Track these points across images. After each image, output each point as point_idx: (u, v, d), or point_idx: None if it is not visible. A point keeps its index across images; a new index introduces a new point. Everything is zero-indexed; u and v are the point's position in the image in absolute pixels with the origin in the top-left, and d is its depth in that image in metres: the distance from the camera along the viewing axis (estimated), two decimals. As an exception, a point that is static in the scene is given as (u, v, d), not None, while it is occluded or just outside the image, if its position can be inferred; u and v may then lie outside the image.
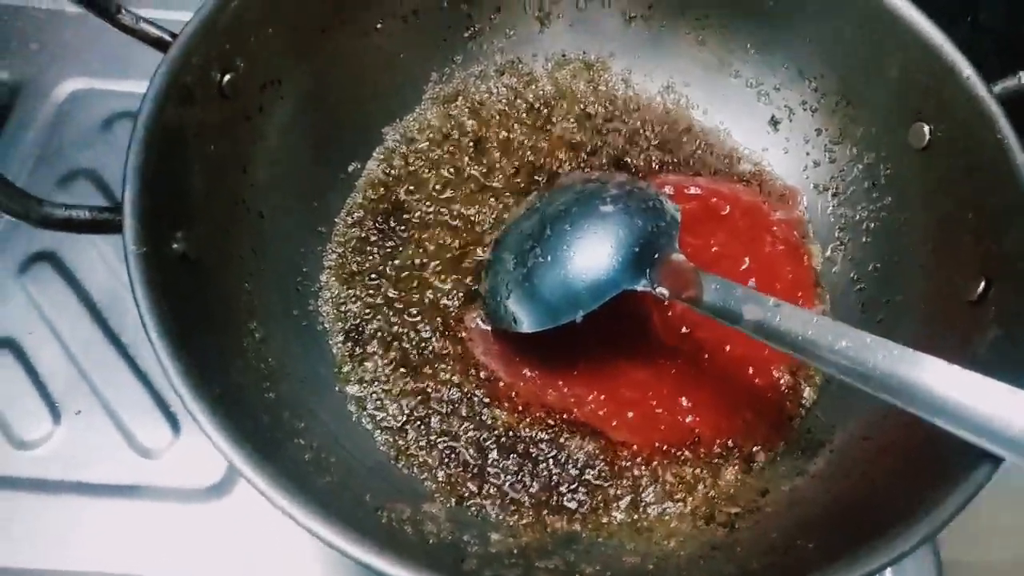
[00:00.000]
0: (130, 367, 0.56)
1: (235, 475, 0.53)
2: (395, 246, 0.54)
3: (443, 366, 0.50)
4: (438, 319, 0.52)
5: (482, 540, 0.44)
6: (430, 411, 0.49)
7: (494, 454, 0.48)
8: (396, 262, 0.54)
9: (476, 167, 0.58)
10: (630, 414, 0.49)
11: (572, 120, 0.60)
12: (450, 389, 0.50)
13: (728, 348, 0.51)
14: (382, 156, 0.57)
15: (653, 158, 0.59)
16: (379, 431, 0.48)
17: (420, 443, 0.48)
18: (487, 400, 0.49)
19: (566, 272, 0.47)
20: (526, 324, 0.48)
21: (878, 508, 0.40)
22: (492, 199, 0.56)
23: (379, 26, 0.56)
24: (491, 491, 0.47)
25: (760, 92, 0.59)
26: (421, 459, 0.47)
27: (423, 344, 0.51)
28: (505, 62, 0.61)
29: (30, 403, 0.55)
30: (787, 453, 0.49)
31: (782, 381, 0.51)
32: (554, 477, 0.47)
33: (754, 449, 0.49)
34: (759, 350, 0.49)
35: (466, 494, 0.46)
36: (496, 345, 0.51)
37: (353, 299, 0.52)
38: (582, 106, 0.61)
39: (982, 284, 0.44)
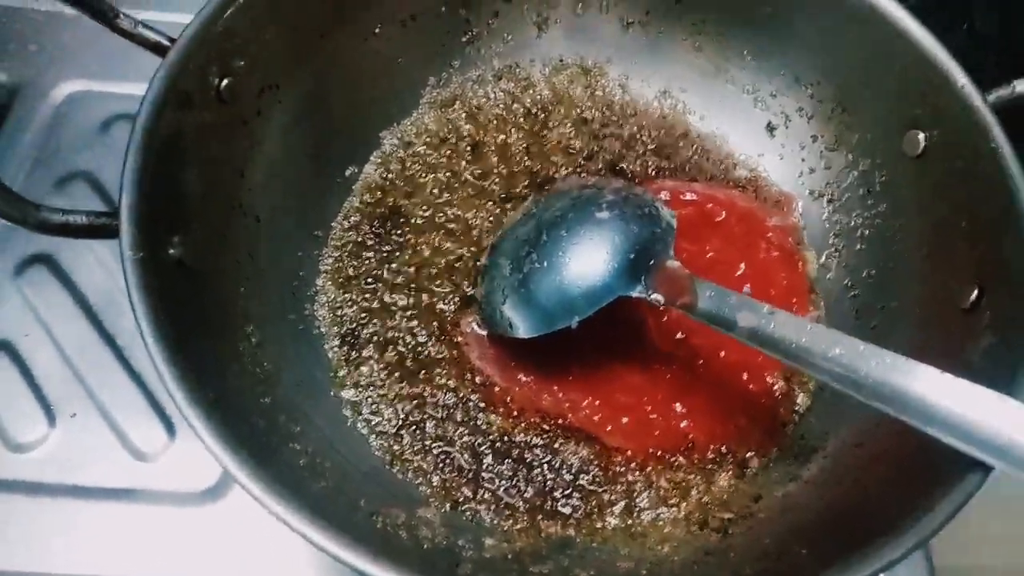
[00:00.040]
0: (126, 370, 0.56)
1: (230, 479, 0.53)
2: (391, 250, 0.54)
3: (439, 371, 0.50)
4: (434, 323, 0.52)
5: (477, 545, 0.44)
6: (425, 416, 0.49)
7: (489, 459, 0.48)
8: (392, 266, 0.54)
9: (473, 171, 0.58)
10: (624, 419, 0.49)
11: (569, 125, 0.60)
12: (445, 394, 0.50)
13: (723, 354, 0.51)
14: (379, 160, 0.58)
15: (649, 163, 0.59)
16: (374, 436, 0.48)
17: (415, 448, 0.48)
18: (482, 405, 0.49)
19: (562, 278, 0.47)
20: (522, 329, 0.48)
21: (871, 515, 0.41)
22: (489, 203, 0.57)
23: (377, 31, 0.56)
24: (486, 496, 0.47)
25: (756, 98, 0.59)
26: (416, 464, 0.48)
27: (419, 348, 0.51)
28: (503, 67, 0.61)
29: (26, 405, 0.55)
30: (780, 459, 0.49)
31: (776, 387, 0.51)
32: (548, 482, 0.47)
33: (748, 455, 0.49)
34: (753, 356, 0.49)
35: (461, 499, 0.47)
36: (492, 350, 0.51)
37: (349, 303, 0.52)
38: (579, 111, 0.61)
39: (975, 291, 0.44)
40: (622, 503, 0.47)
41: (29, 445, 0.54)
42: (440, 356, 0.51)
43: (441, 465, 0.48)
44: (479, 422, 0.49)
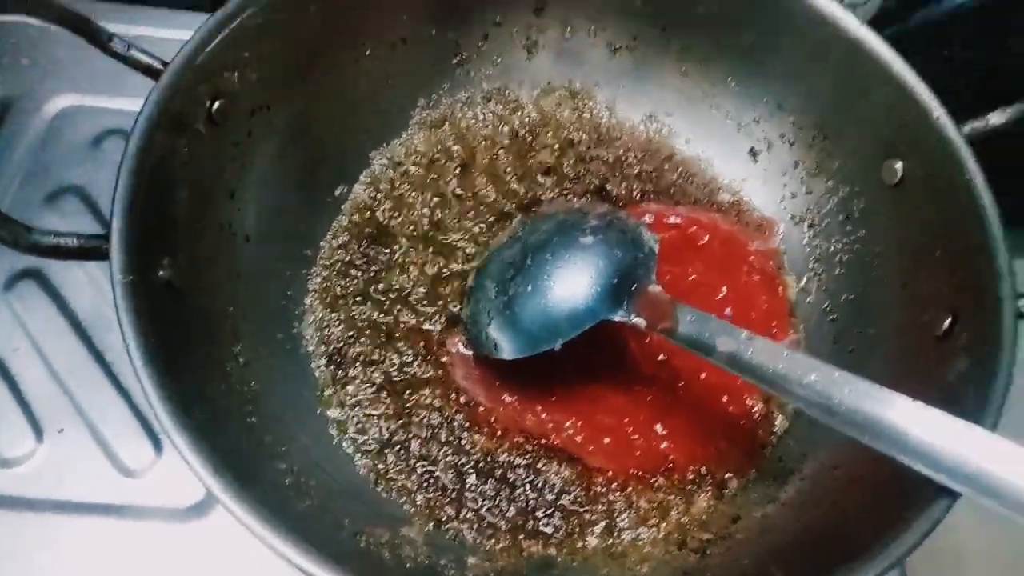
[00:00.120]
0: (114, 386, 0.57)
1: (216, 495, 0.53)
2: (379, 270, 0.55)
3: (424, 390, 0.51)
4: (420, 343, 0.52)
5: (459, 564, 0.45)
6: (410, 435, 0.50)
7: (472, 479, 0.48)
8: (380, 286, 0.54)
9: (461, 192, 0.59)
10: (606, 440, 0.50)
11: (556, 147, 0.61)
12: (431, 413, 0.50)
13: (703, 376, 0.52)
14: (369, 180, 0.58)
15: (634, 186, 0.60)
16: (359, 454, 0.49)
17: (400, 467, 0.49)
18: (467, 425, 0.50)
19: (546, 302, 0.48)
20: (507, 351, 0.49)
21: (847, 537, 0.41)
22: (477, 224, 0.57)
23: (368, 53, 0.57)
24: (469, 515, 0.47)
25: (740, 124, 0.60)
26: (400, 483, 0.48)
27: (405, 368, 0.52)
28: (492, 89, 0.62)
29: (13, 420, 0.55)
30: (759, 480, 0.50)
31: (755, 409, 0.52)
32: (531, 502, 0.48)
33: (727, 476, 0.50)
34: (733, 379, 0.49)
35: (444, 518, 0.47)
36: (477, 370, 0.52)
37: (337, 322, 0.53)
38: (566, 133, 0.62)
39: (948, 319, 0.45)
40: (603, 523, 0.48)
41: (16, 460, 0.54)
42: (426, 376, 0.51)
43: (425, 484, 0.48)
44: (463, 442, 0.50)
